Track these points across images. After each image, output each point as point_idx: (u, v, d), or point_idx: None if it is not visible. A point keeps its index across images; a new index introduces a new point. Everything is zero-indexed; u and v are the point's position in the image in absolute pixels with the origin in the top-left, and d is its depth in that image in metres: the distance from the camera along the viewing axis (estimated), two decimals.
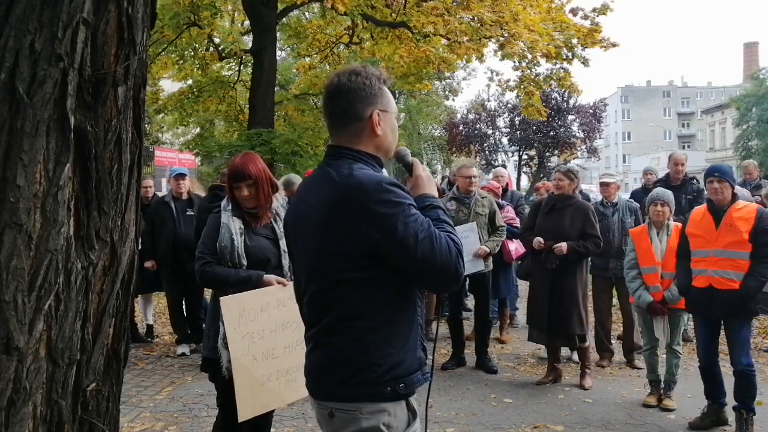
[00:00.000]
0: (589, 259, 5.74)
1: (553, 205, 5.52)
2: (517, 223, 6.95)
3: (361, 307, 1.83)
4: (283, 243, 3.25)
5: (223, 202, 3.32)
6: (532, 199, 7.87)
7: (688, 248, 4.46)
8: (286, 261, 3.27)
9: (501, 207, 6.61)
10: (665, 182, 6.77)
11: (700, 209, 4.52)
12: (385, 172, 2.00)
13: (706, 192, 4.72)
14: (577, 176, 5.57)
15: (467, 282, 5.97)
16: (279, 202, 3.41)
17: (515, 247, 6.72)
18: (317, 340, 1.92)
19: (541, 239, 5.39)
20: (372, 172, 1.87)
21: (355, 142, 1.92)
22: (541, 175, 30.99)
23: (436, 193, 2.02)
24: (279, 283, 3.14)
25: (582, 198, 5.94)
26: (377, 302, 1.83)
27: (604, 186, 6.40)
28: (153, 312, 7.60)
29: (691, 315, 4.92)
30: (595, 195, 9.26)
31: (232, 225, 3.22)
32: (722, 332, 4.56)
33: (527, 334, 5.82)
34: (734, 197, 4.30)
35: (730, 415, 4.43)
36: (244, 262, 3.19)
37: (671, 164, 6.88)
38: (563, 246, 5.27)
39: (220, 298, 3.05)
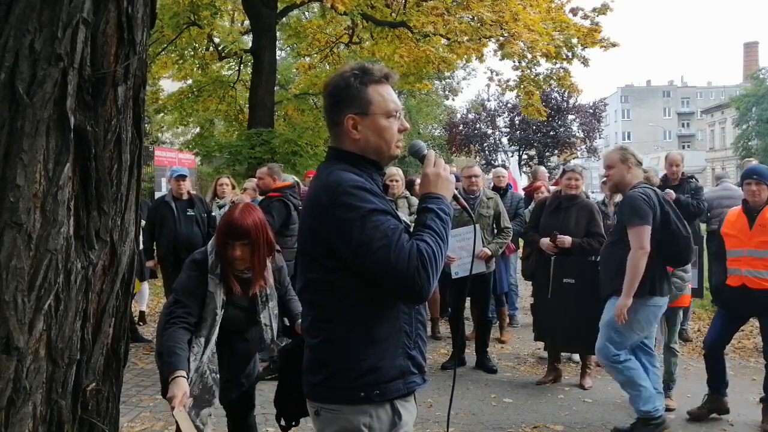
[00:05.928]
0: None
1: (558, 204, 5.54)
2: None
3: (334, 309, 1.82)
4: (263, 314, 2.96)
5: (210, 260, 2.86)
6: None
7: (724, 248, 4.52)
8: (267, 334, 2.97)
9: None
10: (663, 182, 6.79)
11: (735, 210, 4.57)
12: None
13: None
14: (582, 175, 5.63)
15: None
16: (277, 264, 3.05)
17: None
18: (305, 339, 1.95)
19: (548, 241, 5.38)
20: (345, 174, 1.79)
21: (338, 143, 1.92)
22: None
23: (445, 192, 1.87)
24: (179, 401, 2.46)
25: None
26: (349, 305, 1.80)
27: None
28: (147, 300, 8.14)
29: (691, 314, 4.91)
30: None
31: (218, 296, 2.84)
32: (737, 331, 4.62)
33: (527, 333, 5.80)
34: None
35: (732, 406, 4.53)
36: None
37: (667, 165, 6.94)
38: (567, 238, 5.30)
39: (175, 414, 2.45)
